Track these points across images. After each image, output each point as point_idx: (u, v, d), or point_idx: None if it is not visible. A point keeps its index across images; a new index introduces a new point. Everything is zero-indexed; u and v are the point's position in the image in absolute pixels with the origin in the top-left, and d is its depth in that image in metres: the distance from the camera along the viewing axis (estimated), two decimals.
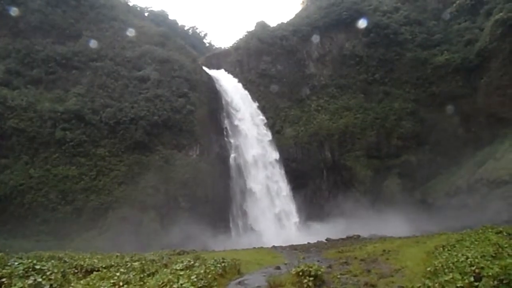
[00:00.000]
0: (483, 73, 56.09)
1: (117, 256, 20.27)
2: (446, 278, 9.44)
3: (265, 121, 60.83)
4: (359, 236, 38.73)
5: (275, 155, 57.29)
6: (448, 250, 15.40)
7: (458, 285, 8.86)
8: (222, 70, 67.64)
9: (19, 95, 48.55)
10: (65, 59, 53.96)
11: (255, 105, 61.86)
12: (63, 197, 44.09)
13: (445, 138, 55.74)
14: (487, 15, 60.68)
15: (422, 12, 71.14)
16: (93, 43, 55.93)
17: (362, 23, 67.09)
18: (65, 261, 16.37)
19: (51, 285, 9.82)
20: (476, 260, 10.93)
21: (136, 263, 15.41)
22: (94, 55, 55.80)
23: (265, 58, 67.40)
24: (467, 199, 45.82)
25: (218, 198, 51.18)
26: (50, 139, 46.99)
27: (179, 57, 61.10)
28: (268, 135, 59.12)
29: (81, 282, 11.90)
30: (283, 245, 33.17)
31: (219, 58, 73.27)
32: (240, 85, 63.95)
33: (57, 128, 47.71)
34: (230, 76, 65.95)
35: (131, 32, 60.78)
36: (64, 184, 44.86)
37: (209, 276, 12.48)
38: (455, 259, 11.94)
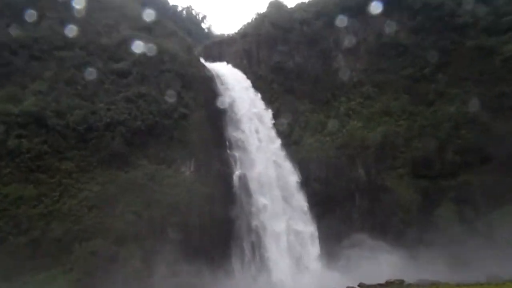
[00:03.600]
0: None
1: None
2: None
3: (280, 128, 61.35)
4: (403, 281, 38.81)
5: (292, 173, 57.81)
6: None
7: None
8: (225, 63, 68.20)
9: None
10: (23, 47, 54.02)
11: (267, 108, 62.53)
12: (16, 224, 43.53)
13: None
14: None
15: None
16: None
17: None
18: None
19: None
20: None
21: None
22: (60, 43, 55.78)
23: (281, 48, 67.52)
24: None
25: (218, 228, 51.55)
26: (0, 149, 46.72)
27: (169, 45, 61.44)
28: (283, 147, 59.68)
29: None
30: None
31: (221, 48, 74.08)
32: (248, 82, 64.49)
33: (10, 135, 47.45)
34: (236, 70, 66.40)
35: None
36: (18, 208, 44.35)
37: None
38: None
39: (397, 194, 57.07)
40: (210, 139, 56.89)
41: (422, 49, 64.68)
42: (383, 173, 58.64)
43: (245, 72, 65.71)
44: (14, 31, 54.01)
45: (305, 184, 57.04)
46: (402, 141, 59.44)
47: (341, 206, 58.08)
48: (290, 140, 60.76)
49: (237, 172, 55.58)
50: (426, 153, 58.19)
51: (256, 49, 69.27)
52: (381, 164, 59.01)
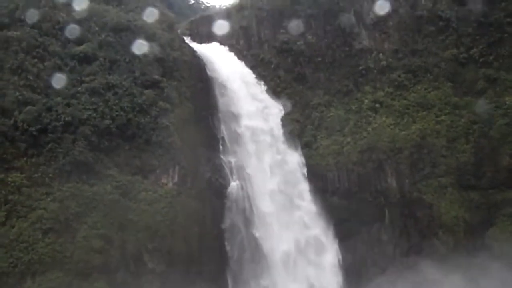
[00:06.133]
0: None
1: None
2: None
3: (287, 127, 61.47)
4: None
5: (305, 184, 58.21)
6: None
7: None
8: (217, 44, 68.32)
9: None
10: None
11: (271, 100, 62.89)
12: None
13: None
14: None
15: None
16: None
17: None
18: None
19: None
20: None
21: None
22: (4, 19, 55.20)
23: (288, 24, 67.10)
24: None
25: (210, 255, 51.80)
26: None
27: (145, 22, 61.28)
28: (295, 152, 60.15)
29: None
30: None
31: (211, 24, 72.86)
32: (246, 68, 64.96)
33: None
34: (230, 53, 66.73)
35: None
36: None
37: None
38: None
39: (439, 211, 56.69)
40: (198, 141, 56.53)
41: (468, 23, 63.84)
42: (419, 184, 58.20)
43: (243, 56, 66.01)
44: None
45: (321, 198, 57.13)
46: (444, 143, 58.84)
47: (367, 225, 58.05)
48: (301, 142, 60.91)
49: (233, 183, 55.37)
50: (474, 157, 57.93)
51: (257, 25, 69.31)
52: (418, 173, 58.62)
